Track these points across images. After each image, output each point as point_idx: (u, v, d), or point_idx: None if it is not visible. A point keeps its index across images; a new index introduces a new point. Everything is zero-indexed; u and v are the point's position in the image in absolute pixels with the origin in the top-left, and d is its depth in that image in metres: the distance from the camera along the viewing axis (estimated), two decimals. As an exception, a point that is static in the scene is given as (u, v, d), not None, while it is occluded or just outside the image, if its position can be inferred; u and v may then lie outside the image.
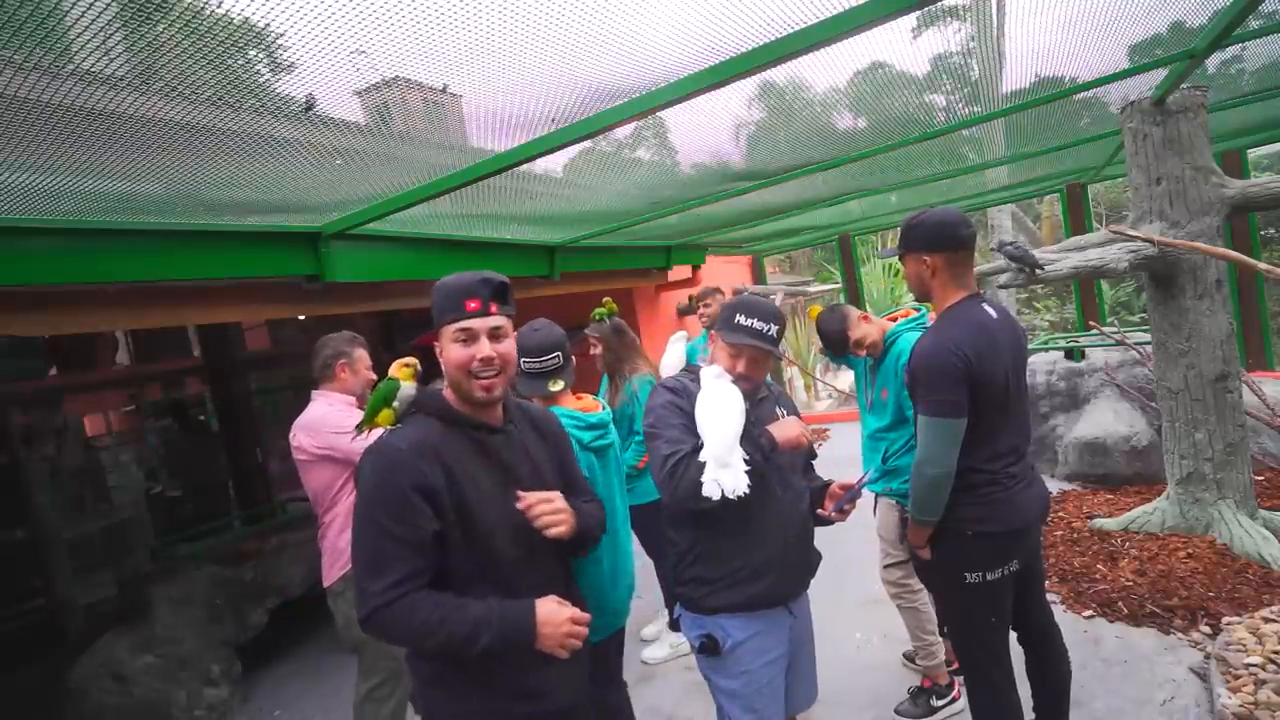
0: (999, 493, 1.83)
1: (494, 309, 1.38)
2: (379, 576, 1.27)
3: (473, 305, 1.36)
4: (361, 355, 2.64)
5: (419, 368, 1.48)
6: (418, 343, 1.52)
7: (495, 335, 1.38)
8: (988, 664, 1.91)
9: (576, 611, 1.38)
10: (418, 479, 1.29)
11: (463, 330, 1.36)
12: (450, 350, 1.37)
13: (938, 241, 1.88)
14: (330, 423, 2.46)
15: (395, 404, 1.47)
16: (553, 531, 1.38)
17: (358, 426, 1.59)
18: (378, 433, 1.51)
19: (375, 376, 2.61)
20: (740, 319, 1.72)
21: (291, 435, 2.54)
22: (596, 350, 3.09)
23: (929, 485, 1.82)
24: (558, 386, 2.05)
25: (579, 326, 6.05)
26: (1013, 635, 2.02)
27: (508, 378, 1.42)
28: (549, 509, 1.39)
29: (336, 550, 2.51)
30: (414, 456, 1.31)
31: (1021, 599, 1.97)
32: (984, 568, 1.83)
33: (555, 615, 1.35)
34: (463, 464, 1.35)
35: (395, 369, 1.47)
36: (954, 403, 1.77)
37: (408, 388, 1.47)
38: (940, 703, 2.60)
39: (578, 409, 2.05)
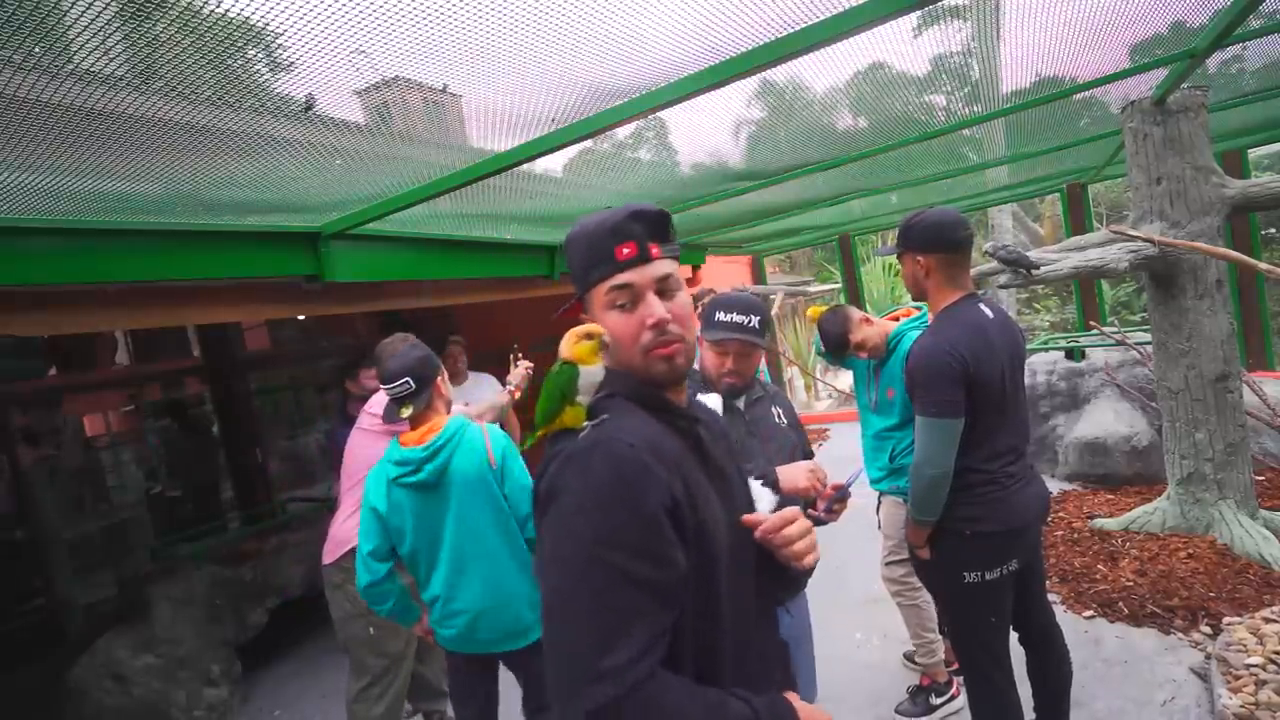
0: (997, 492, 1.83)
1: (655, 251, 0.98)
2: (616, 647, 0.81)
3: (626, 251, 0.97)
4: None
5: (606, 338, 1.00)
6: (561, 317, 1.11)
7: (664, 288, 0.99)
8: (987, 664, 1.91)
9: (825, 712, 1.02)
10: (665, 493, 0.88)
11: (619, 290, 0.98)
12: (608, 321, 0.99)
13: (934, 243, 1.89)
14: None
15: (580, 397, 1.00)
16: (808, 561, 1.02)
17: (527, 437, 1.09)
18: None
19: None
20: (720, 316, 1.77)
21: (368, 406, 2.63)
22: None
23: (928, 485, 1.83)
24: (407, 413, 1.99)
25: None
26: (1014, 635, 2.02)
27: (689, 347, 1.01)
28: (798, 531, 1.01)
29: (337, 537, 2.56)
30: (648, 456, 0.89)
31: (1022, 599, 1.97)
32: (983, 567, 1.83)
33: (816, 713, 0.99)
34: (688, 467, 0.95)
35: (570, 346, 1.00)
36: (951, 403, 1.78)
37: (591, 371, 0.99)
38: (939, 700, 2.61)
39: (411, 441, 2.01)
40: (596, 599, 0.84)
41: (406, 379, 1.97)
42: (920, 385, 1.84)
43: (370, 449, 2.55)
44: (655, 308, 0.97)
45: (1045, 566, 2.11)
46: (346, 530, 2.54)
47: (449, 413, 2.16)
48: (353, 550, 2.53)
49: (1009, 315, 1.99)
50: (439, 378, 2.11)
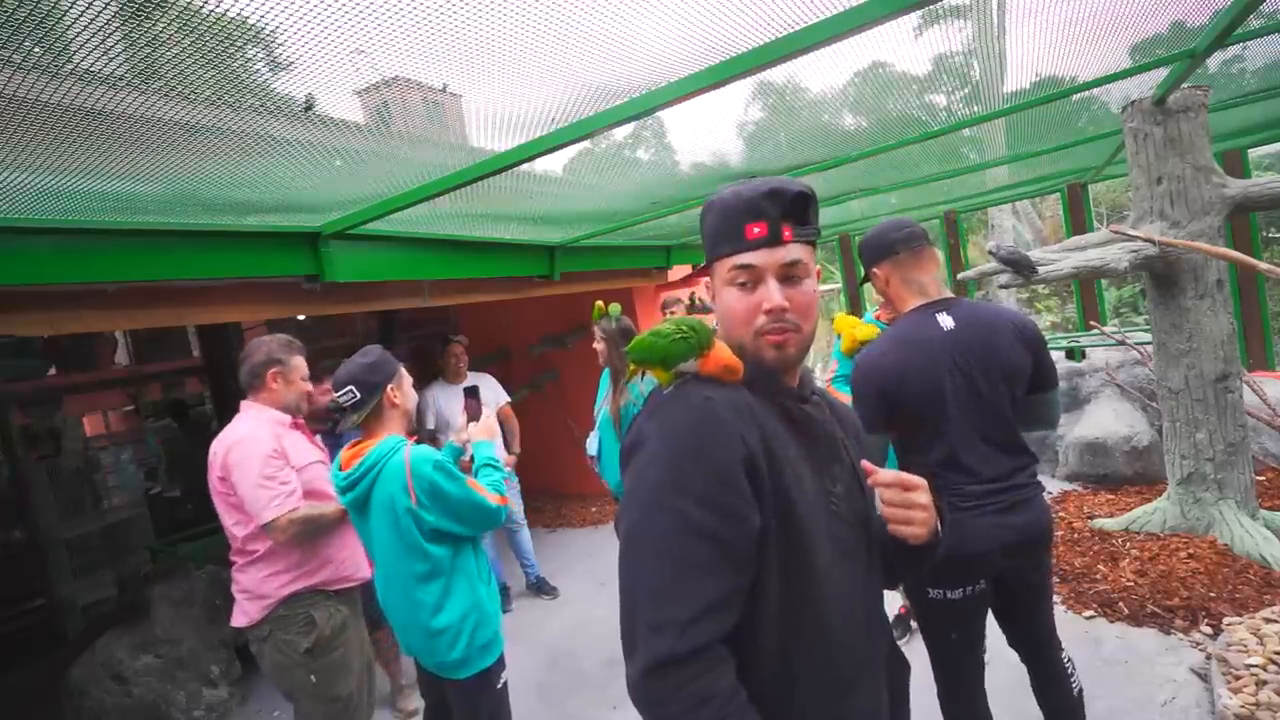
0: (951, 513, 1.77)
1: (788, 234, 0.95)
2: (678, 598, 0.81)
3: (757, 230, 0.94)
4: (298, 364, 2.39)
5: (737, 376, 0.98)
6: (669, 287, 1.14)
7: (790, 275, 0.96)
8: (952, 680, 1.90)
9: None
10: (739, 445, 0.87)
11: (741, 269, 0.96)
12: (725, 295, 0.99)
13: (878, 252, 1.88)
14: (254, 458, 2.13)
15: (676, 369, 1.03)
16: (905, 531, 0.95)
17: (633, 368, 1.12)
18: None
19: (310, 388, 2.43)
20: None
21: (210, 455, 2.21)
22: (600, 346, 3.09)
23: None
24: (354, 419, 2.00)
25: (580, 326, 6.05)
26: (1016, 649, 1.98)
27: (805, 337, 0.98)
28: (900, 498, 0.94)
29: (258, 593, 2.22)
30: (727, 411, 0.89)
31: (1006, 620, 1.93)
32: (944, 586, 1.79)
33: None
34: (778, 434, 0.94)
35: (718, 354, 0.98)
36: (870, 421, 1.77)
37: (692, 366, 1.01)
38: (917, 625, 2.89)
39: (345, 459, 2.03)
40: (662, 546, 0.84)
41: (350, 388, 1.97)
42: (852, 397, 1.84)
43: (237, 509, 2.26)
44: (774, 294, 0.94)
45: (1043, 594, 1.91)
46: (274, 583, 2.22)
47: (406, 424, 2.11)
48: (278, 602, 2.22)
49: (980, 324, 1.78)
50: (389, 386, 2.03)
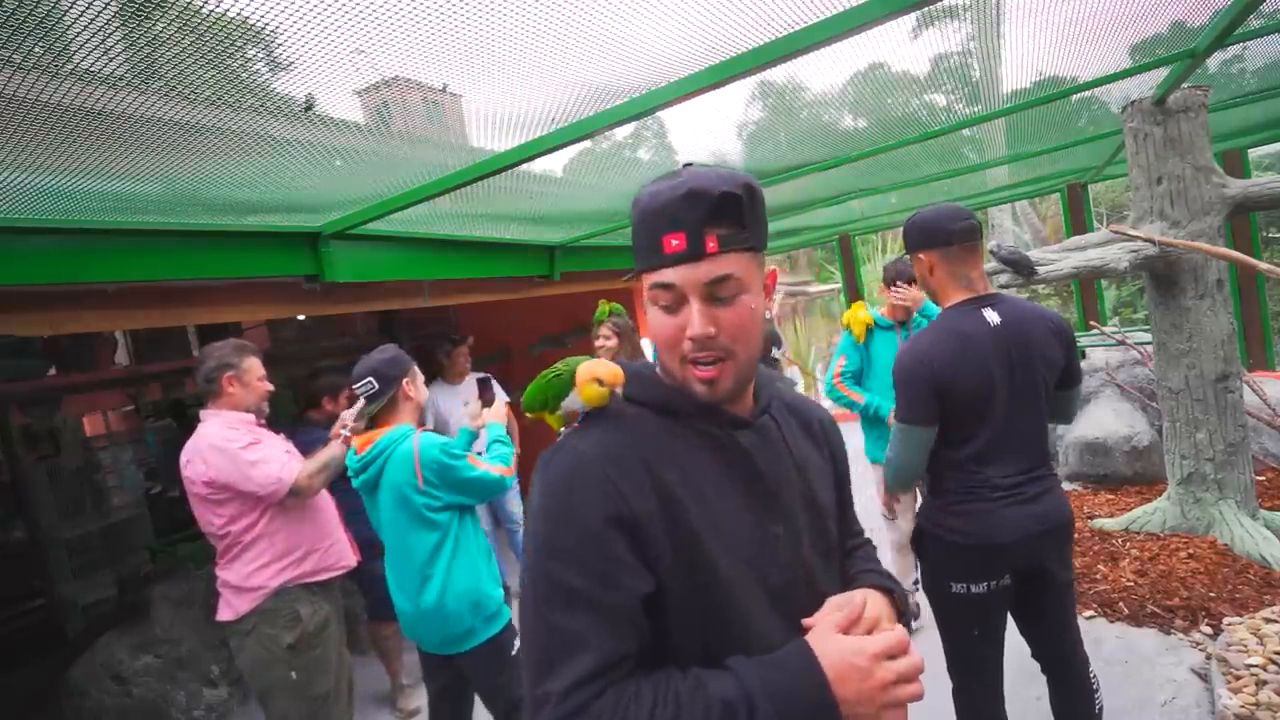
0: (977, 504, 1.77)
1: (712, 245, 0.79)
2: (557, 671, 0.74)
3: (674, 243, 0.79)
4: (251, 365, 2.32)
5: (618, 390, 0.89)
6: (631, 282, 1.07)
7: (717, 293, 0.81)
8: (967, 676, 1.88)
9: (883, 639, 0.77)
10: (615, 505, 0.78)
11: (661, 288, 0.82)
12: (650, 314, 0.85)
13: (931, 239, 1.83)
14: (236, 449, 2.16)
15: (560, 411, 0.98)
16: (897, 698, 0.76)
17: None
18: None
19: (270, 387, 2.38)
20: None
21: (184, 464, 2.19)
22: (610, 342, 3.08)
23: (895, 475, 1.91)
24: (371, 408, 2.15)
25: (580, 326, 6.05)
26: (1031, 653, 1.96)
27: (742, 363, 0.85)
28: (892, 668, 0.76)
29: (246, 586, 2.23)
30: (607, 467, 0.80)
31: (1026, 618, 1.90)
32: (968, 579, 1.79)
33: (851, 655, 0.76)
34: (689, 475, 0.84)
35: (586, 374, 0.89)
36: (920, 413, 1.77)
37: (578, 401, 0.92)
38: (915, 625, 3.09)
39: (358, 445, 2.15)
40: (541, 613, 0.78)
41: (370, 379, 2.11)
42: (897, 388, 1.83)
43: (217, 509, 2.27)
44: (695, 320, 0.80)
45: (1067, 593, 1.87)
46: (262, 576, 2.25)
47: (418, 416, 2.25)
48: (267, 595, 2.25)
49: (1023, 321, 1.79)
50: (405, 379, 2.18)
